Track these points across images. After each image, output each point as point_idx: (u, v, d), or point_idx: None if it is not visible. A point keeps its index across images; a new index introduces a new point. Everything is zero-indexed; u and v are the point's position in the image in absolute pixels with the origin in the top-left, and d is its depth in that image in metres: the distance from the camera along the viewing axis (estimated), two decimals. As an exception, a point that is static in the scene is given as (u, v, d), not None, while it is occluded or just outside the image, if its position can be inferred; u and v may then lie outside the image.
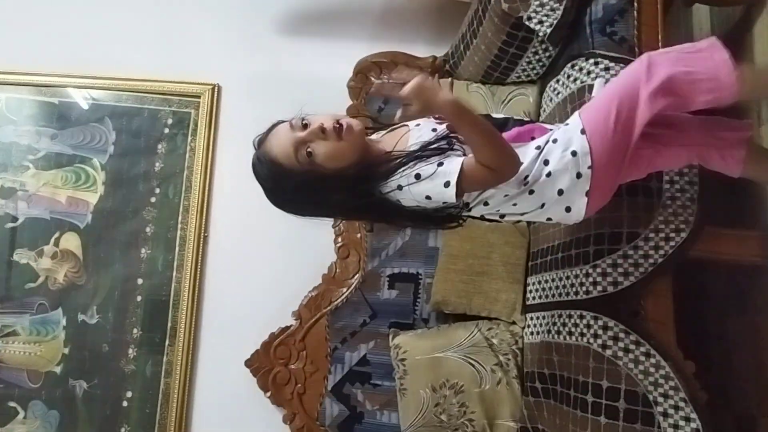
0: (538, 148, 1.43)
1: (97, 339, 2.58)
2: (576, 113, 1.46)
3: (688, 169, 1.68)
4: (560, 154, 1.40)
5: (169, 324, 2.57)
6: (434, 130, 1.39)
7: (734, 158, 1.48)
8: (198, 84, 2.75)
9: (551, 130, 1.47)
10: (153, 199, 2.67)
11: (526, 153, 1.42)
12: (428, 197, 1.34)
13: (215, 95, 2.75)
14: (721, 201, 1.58)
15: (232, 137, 2.71)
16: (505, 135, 1.43)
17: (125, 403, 2.54)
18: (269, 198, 1.43)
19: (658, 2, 1.85)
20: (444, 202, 1.34)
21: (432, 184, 1.31)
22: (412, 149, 1.36)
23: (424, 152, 1.33)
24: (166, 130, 2.73)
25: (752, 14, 1.87)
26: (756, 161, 1.50)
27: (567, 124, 1.47)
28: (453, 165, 1.31)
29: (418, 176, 1.31)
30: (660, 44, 1.82)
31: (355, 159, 1.35)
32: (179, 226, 2.64)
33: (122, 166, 2.70)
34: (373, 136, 1.50)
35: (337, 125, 1.33)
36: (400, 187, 1.34)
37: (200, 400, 2.56)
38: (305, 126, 1.34)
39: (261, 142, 1.42)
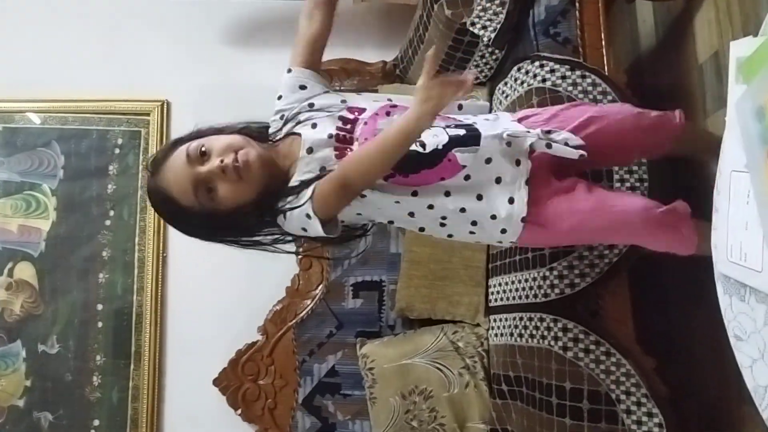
0: (447, 194, 1.33)
1: (59, 369, 2.52)
2: (521, 191, 1.33)
3: (638, 166, 1.70)
4: (489, 230, 1.36)
5: (133, 348, 2.52)
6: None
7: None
8: (146, 101, 2.69)
9: (462, 174, 1.33)
10: (108, 222, 2.61)
11: (435, 201, 1.33)
12: (304, 229, 1.26)
13: (165, 111, 2.69)
14: (672, 195, 1.59)
15: (185, 153, 2.65)
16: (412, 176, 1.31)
17: (93, 432, 2.50)
18: (174, 227, 1.38)
19: (599, 1, 1.86)
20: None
21: (301, 218, 1.24)
22: (305, 178, 1.28)
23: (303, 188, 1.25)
24: (117, 151, 2.66)
25: (692, 8, 1.89)
26: (685, 141, 1.54)
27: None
28: (306, 197, 1.22)
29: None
30: (603, 43, 1.83)
31: (256, 195, 1.28)
32: (137, 247, 2.59)
33: (74, 190, 2.63)
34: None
35: (237, 164, 1.24)
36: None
37: (170, 423, 2.53)
38: (203, 154, 1.26)
39: (156, 165, 1.31)
